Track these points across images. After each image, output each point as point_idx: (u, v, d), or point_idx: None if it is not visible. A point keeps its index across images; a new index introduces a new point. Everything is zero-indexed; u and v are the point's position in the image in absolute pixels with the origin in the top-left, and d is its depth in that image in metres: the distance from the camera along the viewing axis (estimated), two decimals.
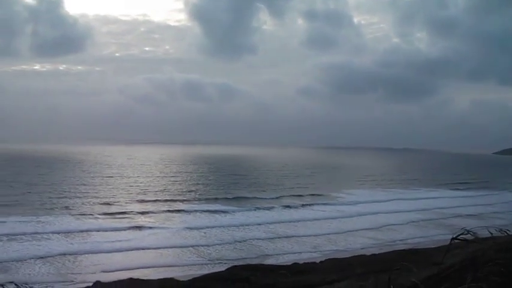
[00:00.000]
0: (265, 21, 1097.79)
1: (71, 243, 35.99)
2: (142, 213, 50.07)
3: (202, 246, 37.06)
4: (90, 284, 20.15)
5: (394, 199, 68.20)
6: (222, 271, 22.08)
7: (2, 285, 5.45)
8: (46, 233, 38.62)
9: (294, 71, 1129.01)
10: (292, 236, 41.79)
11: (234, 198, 63.52)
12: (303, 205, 59.26)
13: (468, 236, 5.51)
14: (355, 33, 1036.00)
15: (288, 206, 57.74)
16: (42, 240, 36.85)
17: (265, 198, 63.94)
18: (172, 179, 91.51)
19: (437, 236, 42.32)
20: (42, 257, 32.27)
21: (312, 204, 60.09)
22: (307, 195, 68.89)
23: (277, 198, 64.65)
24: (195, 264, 31.82)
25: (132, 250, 34.84)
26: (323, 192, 72.55)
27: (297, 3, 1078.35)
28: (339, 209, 57.20)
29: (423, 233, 45.27)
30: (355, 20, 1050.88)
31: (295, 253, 35.98)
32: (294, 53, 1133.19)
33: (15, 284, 5.90)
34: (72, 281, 26.63)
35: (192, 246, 36.94)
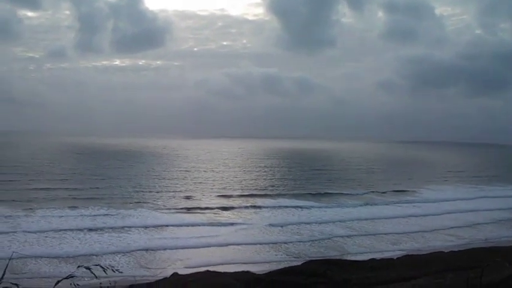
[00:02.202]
0: (344, 13, 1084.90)
1: (150, 237, 36.86)
2: (221, 208, 50.40)
3: (281, 242, 37.08)
4: (168, 276, 20.59)
5: (478, 197, 65.72)
6: (299, 265, 22.13)
7: (89, 267, 5.69)
8: (127, 226, 39.72)
9: (372, 65, 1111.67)
10: (371, 233, 41.44)
11: (313, 193, 62.97)
12: (383, 202, 58.53)
13: None
14: (436, 24, 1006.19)
15: (368, 203, 57.10)
16: (122, 232, 37.94)
17: (345, 194, 63.42)
18: (250, 173, 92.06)
19: None
20: (122, 249, 33.26)
21: (392, 201, 59.21)
22: (387, 191, 67.72)
23: (356, 194, 63.88)
24: (274, 261, 31.79)
25: (211, 246, 35.20)
26: (403, 188, 71.35)
27: None
28: (420, 206, 56.07)
29: (508, 232, 43.69)
30: (437, 11, 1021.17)
31: (373, 249, 35.75)
32: (373, 46, 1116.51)
33: (101, 267, 6.16)
34: (152, 275, 27.17)
35: (272, 242, 37.03)
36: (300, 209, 50.92)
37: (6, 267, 6.55)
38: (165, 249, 33.75)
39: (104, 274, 6.23)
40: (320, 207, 52.81)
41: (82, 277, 6.09)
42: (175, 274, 20.33)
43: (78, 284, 6.06)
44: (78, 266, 6.09)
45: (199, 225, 41.89)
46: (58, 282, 5.84)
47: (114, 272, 6.41)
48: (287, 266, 25.36)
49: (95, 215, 43.30)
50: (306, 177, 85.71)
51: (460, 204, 57.31)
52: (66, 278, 5.76)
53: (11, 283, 5.55)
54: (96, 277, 6.22)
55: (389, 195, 64.35)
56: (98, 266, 6.22)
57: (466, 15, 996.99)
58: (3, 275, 5.44)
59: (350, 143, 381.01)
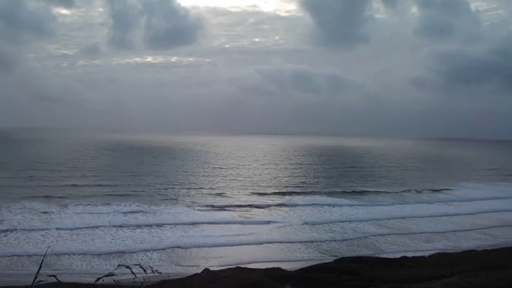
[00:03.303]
0: (377, 9, 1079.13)
1: (182, 234, 37.08)
2: (254, 206, 50.32)
3: (314, 241, 36.99)
4: (199, 271, 20.71)
5: None
6: (330, 262, 22.10)
7: (129, 266, 5.76)
8: (159, 223, 40.04)
9: (406, 61, 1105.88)
10: (404, 232, 41.12)
11: (346, 191, 62.55)
12: (416, 200, 57.98)
13: None
14: (472, 20, 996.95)
15: (401, 201, 56.67)
16: (154, 228, 38.28)
17: (378, 192, 63.10)
18: (282, 170, 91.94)
19: None
20: (154, 246, 33.56)
21: (426, 200, 58.67)
22: (421, 189, 66.91)
23: (390, 192, 63.43)
24: (306, 259, 31.67)
25: (243, 245, 35.23)
26: (437, 186, 70.44)
27: None
28: (453, 205, 55.44)
29: None
30: (472, 6, 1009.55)
31: (405, 248, 35.55)
32: (406, 42, 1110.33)
33: (141, 266, 6.24)
34: (184, 271, 27.31)
35: (304, 240, 36.99)
36: (333, 207, 50.65)
37: (42, 261, 6.66)
38: (196, 246, 33.94)
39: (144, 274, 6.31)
40: (353, 205, 52.55)
41: (121, 274, 6.13)
42: (206, 270, 20.42)
43: (118, 281, 6.16)
44: (119, 265, 6.17)
45: (231, 223, 41.99)
46: (98, 279, 5.94)
47: (154, 272, 6.49)
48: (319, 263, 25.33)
49: (127, 212, 43.78)
50: (338, 174, 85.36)
51: (494, 203, 56.47)
52: (107, 275, 5.87)
53: (48, 275, 5.65)
54: (136, 276, 6.30)
55: (423, 194, 63.73)
56: (138, 266, 6.30)
57: (501, 10, 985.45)
58: (39, 269, 5.54)
59: (382, 140, 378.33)
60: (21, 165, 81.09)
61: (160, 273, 6.74)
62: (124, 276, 6.29)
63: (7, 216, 40.12)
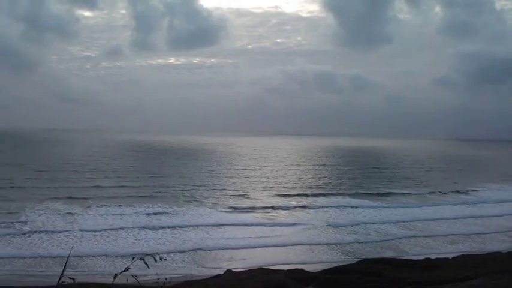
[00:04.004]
0: (401, 9, 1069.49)
1: (205, 236, 37.18)
2: (277, 207, 50.11)
3: (338, 243, 36.83)
4: (222, 272, 20.75)
5: None
6: (353, 264, 22.00)
7: (143, 258, 5.81)
8: (182, 225, 40.12)
9: (429, 61, 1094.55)
10: (428, 233, 40.77)
11: (370, 193, 61.96)
12: (440, 202, 57.34)
13: None
14: (497, 19, 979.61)
15: (425, 203, 56.03)
16: (177, 229, 38.43)
17: (402, 193, 62.45)
18: (306, 171, 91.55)
19: None
20: (177, 247, 33.69)
21: (450, 201, 57.94)
22: (445, 191, 65.86)
23: (414, 194, 62.72)
24: (329, 261, 31.50)
25: (265, 247, 35.10)
26: (461, 187, 69.56)
27: None
28: (478, 207, 54.66)
29: None
30: (497, 5, 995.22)
31: (429, 249, 35.27)
32: (430, 42, 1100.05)
33: (153, 256, 6.29)
34: (206, 272, 27.34)
35: (328, 243, 36.82)
36: (356, 209, 50.42)
37: (66, 263, 6.71)
38: (219, 248, 33.95)
39: (159, 266, 6.35)
40: (377, 206, 52.17)
41: (138, 270, 6.16)
42: (229, 271, 20.47)
43: (136, 275, 6.20)
44: (133, 258, 6.22)
45: (255, 225, 41.86)
46: (116, 275, 5.96)
47: (161, 260, 6.56)
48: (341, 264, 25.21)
49: (150, 213, 43.99)
50: (361, 175, 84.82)
51: None
52: (124, 271, 5.89)
53: (68, 277, 5.68)
54: (149, 267, 6.35)
55: (447, 195, 63.02)
56: (150, 256, 6.36)
57: None
58: (64, 270, 5.57)
59: (406, 141, 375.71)
60: (44, 166, 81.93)
61: (166, 259, 6.80)
62: (145, 275, 6.32)
63: (31, 217, 40.52)
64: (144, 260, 6.18)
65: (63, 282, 5.51)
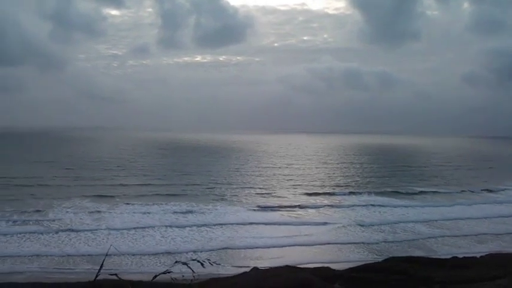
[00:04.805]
0: (429, 5, 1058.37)
1: (231, 234, 37.25)
2: (304, 206, 49.89)
3: (365, 242, 36.61)
4: (248, 270, 20.77)
5: None
6: (380, 262, 21.91)
7: (186, 263, 5.84)
8: (209, 224, 40.13)
9: (457, 58, 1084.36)
10: (456, 233, 40.27)
11: (398, 192, 61.55)
12: (469, 201, 56.52)
13: None
14: None
15: (454, 202, 55.21)
16: (203, 228, 38.54)
17: (430, 192, 61.98)
18: (333, 169, 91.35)
19: None
20: (203, 245, 33.79)
21: (479, 200, 57.01)
22: (474, 190, 64.97)
23: (443, 192, 62.20)
24: (356, 261, 31.34)
25: (292, 246, 34.92)
26: (491, 186, 68.38)
27: None
28: (508, 206, 53.84)
29: None
30: None
31: (457, 249, 34.95)
32: (458, 38, 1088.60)
33: (198, 261, 6.30)
34: (233, 270, 27.39)
35: (356, 242, 36.62)
36: (384, 207, 50.06)
37: (104, 259, 6.76)
38: (246, 247, 33.99)
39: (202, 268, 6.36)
40: (405, 205, 51.74)
41: (179, 272, 6.20)
42: (255, 269, 20.49)
43: (175, 278, 6.23)
44: (176, 262, 6.24)
45: (282, 224, 41.76)
46: (156, 276, 6.01)
47: (212, 265, 6.56)
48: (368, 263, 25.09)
49: (177, 211, 44.16)
50: (389, 173, 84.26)
51: None
52: (164, 273, 5.94)
53: (109, 274, 5.74)
54: (194, 272, 6.36)
55: (476, 194, 62.21)
56: (195, 261, 6.37)
57: None
58: (101, 267, 5.63)
59: (433, 138, 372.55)
60: (72, 164, 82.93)
61: (219, 264, 6.81)
62: (179, 273, 6.34)
63: (59, 214, 41.00)
64: (187, 264, 6.20)
65: (100, 278, 5.58)
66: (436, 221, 44.47)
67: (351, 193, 59.30)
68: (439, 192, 61.85)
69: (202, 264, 6.31)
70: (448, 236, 38.90)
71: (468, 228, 42.19)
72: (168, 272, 5.90)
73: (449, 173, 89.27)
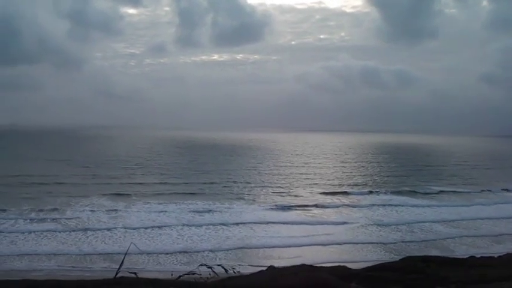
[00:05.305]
0: (447, 3, 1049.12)
1: (249, 233, 37.30)
2: (321, 205, 49.78)
3: (383, 241, 36.62)
4: (265, 268, 20.77)
5: None
6: (396, 261, 21.80)
7: (211, 267, 5.89)
8: (226, 223, 40.18)
9: (475, 56, 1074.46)
10: (475, 233, 40.01)
11: (414, 191, 61.17)
12: (487, 200, 56.03)
13: None
14: None
15: (471, 201, 54.77)
16: (220, 226, 38.65)
17: (448, 191, 61.61)
18: (350, 168, 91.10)
19: None
20: (221, 244, 33.82)
21: (498, 201, 56.28)
22: (492, 189, 64.10)
23: (460, 192, 61.76)
24: (373, 260, 31.25)
25: (308, 245, 34.83)
26: (509, 186, 67.50)
27: None
28: None
29: None
30: None
31: (475, 248, 34.77)
32: (476, 36, 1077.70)
33: (222, 267, 6.35)
34: (249, 268, 27.40)
35: (373, 242, 36.57)
36: (401, 207, 49.78)
37: (124, 257, 6.81)
38: (263, 246, 34.01)
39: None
40: (422, 205, 51.45)
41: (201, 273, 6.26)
42: (271, 267, 20.49)
43: (198, 280, 6.27)
44: (200, 265, 6.30)
45: (298, 223, 41.74)
46: (180, 277, 6.05)
47: (235, 273, 6.60)
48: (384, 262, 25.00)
49: (194, 210, 44.31)
50: (406, 173, 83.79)
51: None
52: (187, 274, 5.98)
53: (128, 272, 5.78)
54: (217, 275, 6.41)
55: (494, 194, 61.59)
56: (220, 266, 6.40)
57: None
58: (121, 265, 5.67)
59: (451, 138, 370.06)
60: (89, 163, 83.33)
61: (240, 272, 6.84)
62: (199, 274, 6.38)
63: (76, 213, 41.25)
64: (211, 267, 6.23)
65: (120, 276, 5.62)
66: (454, 220, 44.25)
67: (367, 192, 59.07)
68: (457, 192, 61.49)
69: (226, 271, 6.34)
70: (466, 236, 38.71)
71: (487, 228, 41.96)
72: (193, 274, 5.94)
73: (466, 172, 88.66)
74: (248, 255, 31.73)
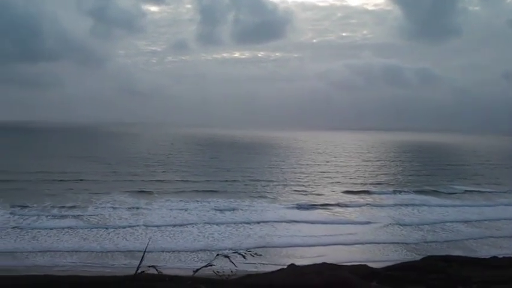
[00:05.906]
0: (470, 1, 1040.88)
1: (270, 232, 37.29)
2: (343, 204, 49.46)
3: (405, 241, 36.37)
4: (285, 267, 20.80)
5: None
6: (417, 260, 21.78)
7: (228, 256, 5.98)
8: (247, 221, 40.20)
9: (499, 54, 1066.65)
10: (498, 233, 39.44)
11: (437, 190, 60.52)
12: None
13: None
14: None
15: (495, 201, 53.86)
16: (241, 225, 38.71)
17: (471, 191, 60.89)
18: (372, 167, 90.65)
19: None
20: (241, 242, 33.90)
21: None
22: None
23: (484, 192, 60.99)
24: (394, 260, 31.11)
25: (332, 244, 34.66)
26: None
27: None
28: None
29: None
30: None
31: (498, 249, 34.45)
32: (500, 34, 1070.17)
33: (239, 253, 6.38)
34: (269, 266, 27.42)
35: (394, 241, 36.36)
36: (424, 206, 49.36)
37: (144, 253, 6.86)
38: (283, 245, 33.98)
39: (223, 259, 6.40)
40: (445, 204, 50.90)
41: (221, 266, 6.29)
42: (292, 265, 20.51)
43: (217, 272, 6.28)
44: (217, 255, 6.31)
45: (319, 222, 41.54)
46: (197, 270, 6.06)
47: (253, 256, 6.61)
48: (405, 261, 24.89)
49: (215, 208, 44.40)
50: (429, 172, 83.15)
51: None
52: (206, 266, 5.99)
53: (148, 266, 5.82)
54: (235, 265, 6.42)
55: None
56: (236, 253, 6.41)
57: None
58: (142, 260, 5.70)
59: (474, 136, 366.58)
60: (111, 160, 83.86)
61: (260, 255, 6.82)
62: (219, 268, 6.38)
63: (98, 210, 41.60)
64: (229, 257, 6.24)
65: (141, 272, 5.66)
66: (476, 220, 43.81)
67: (391, 191, 58.69)
68: (480, 192, 60.82)
69: (244, 257, 6.35)
70: (488, 236, 38.37)
71: (510, 228, 41.48)
72: (210, 265, 5.95)
73: (490, 171, 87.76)
74: (269, 254, 31.71)
